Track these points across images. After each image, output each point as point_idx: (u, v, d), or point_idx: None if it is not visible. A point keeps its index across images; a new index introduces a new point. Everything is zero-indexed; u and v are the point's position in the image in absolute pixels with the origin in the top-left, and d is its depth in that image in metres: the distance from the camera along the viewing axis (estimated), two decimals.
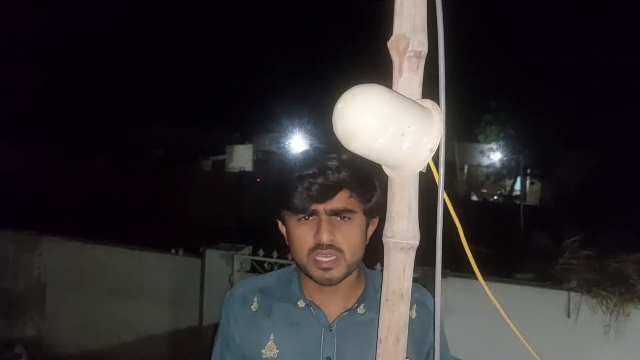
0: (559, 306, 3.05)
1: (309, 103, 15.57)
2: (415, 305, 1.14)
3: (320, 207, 1.04)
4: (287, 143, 15.62)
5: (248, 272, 3.71)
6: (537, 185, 19.13)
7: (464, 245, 0.76)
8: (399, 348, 0.76)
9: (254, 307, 1.15)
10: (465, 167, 20.75)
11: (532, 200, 18.80)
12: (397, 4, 0.70)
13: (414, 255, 0.74)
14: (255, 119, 21.21)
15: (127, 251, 4.25)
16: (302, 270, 1.10)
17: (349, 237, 1.05)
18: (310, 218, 1.06)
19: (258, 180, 15.53)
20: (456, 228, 0.75)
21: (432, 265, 0.72)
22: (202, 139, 20.28)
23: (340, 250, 1.05)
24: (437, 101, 0.70)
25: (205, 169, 19.21)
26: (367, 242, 1.11)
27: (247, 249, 3.83)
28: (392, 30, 0.70)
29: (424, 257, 0.83)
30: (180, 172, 15.78)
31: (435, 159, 0.70)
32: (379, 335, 0.77)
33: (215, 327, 1.24)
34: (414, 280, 0.77)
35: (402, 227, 0.73)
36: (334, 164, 1.03)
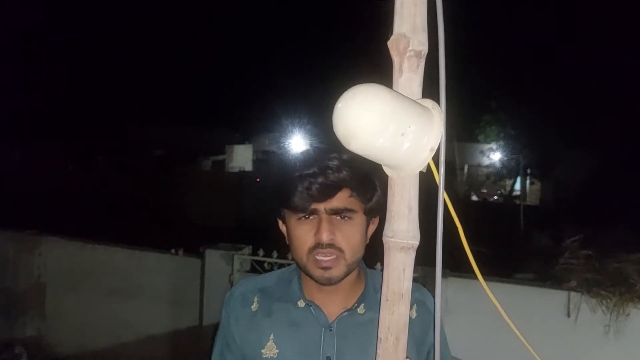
0: (559, 306, 3.05)
1: (309, 103, 15.56)
2: (415, 305, 1.14)
3: (321, 207, 1.03)
4: (287, 143, 15.61)
5: (248, 272, 3.71)
6: (537, 185, 19.13)
7: (464, 245, 0.76)
8: (399, 348, 0.76)
9: (254, 307, 1.15)
10: (465, 167, 20.75)
11: (532, 200, 18.79)
12: (397, 4, 0.70)
13: (414, 255, 0.74)
14: (255, 119, 21.22)
15: (127, 251, 4.24)
16: (302, 269, 1.10)
17: (349, 236, 1.05)
18: (311, 217, 1.05)
19: (258, 180, 15.53)
20: (456, 228, 0.75)
21: (432, 265, 0.72)
22: (202, 139, 20.29)
23: (340, 250, 1.04)
24: (438, 101, 0.70)
25: (205, 169, 19.21)
26: (367, 242, 1.11)
27: (247, 249, 3.83)
28: (392, 30, 0.70)
29: (424, 257, 0.83)
30: (180, 172, 15.78)
31: (436, 158, 0.70)
32: (379, 335, 0.77)
33: (215, 327, 1.24)
34: (414, 280, 0.77)
35: (402, 227, 0.73)
36: (334, 163, 1.03)
